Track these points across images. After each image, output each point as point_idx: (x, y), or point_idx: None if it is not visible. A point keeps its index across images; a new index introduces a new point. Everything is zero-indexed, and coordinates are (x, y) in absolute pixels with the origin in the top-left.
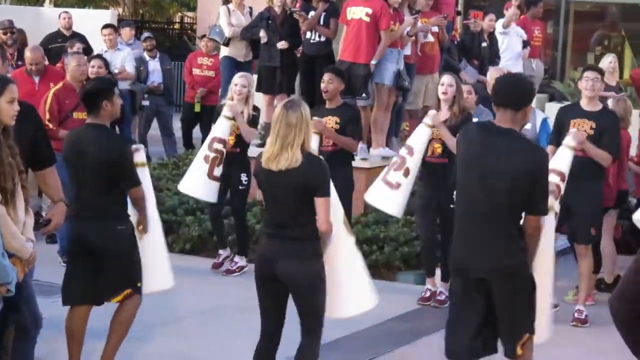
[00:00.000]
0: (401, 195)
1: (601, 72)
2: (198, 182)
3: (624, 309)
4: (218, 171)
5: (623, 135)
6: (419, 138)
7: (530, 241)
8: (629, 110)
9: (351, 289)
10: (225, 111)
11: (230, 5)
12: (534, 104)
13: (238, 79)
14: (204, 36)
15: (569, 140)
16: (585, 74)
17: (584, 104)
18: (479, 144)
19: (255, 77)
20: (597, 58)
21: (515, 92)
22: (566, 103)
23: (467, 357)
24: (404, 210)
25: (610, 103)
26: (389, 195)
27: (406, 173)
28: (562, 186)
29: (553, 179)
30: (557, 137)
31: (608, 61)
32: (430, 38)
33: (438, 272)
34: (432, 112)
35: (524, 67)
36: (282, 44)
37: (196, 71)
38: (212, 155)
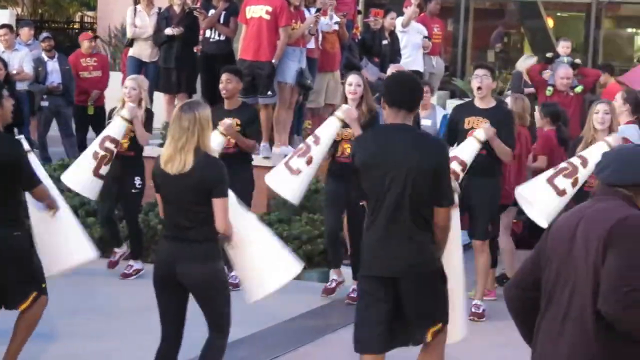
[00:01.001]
0: (299, 181)
1: (491, 70)
2: (81, 177)
3: (518, 299)
4: (104, 170)
5: (522, 133)
6: (327, 129)
7: (440, 234)
8: (527, 108)
9: (270, 260)
10: (124, 113)
11: (138, 6)
12: (434, 100)
13: (128, 81)
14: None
15: (479, 134)
16: (475, 72)
17: (478, 101)
18: (378, 144)
19: None
20: (497, 55)
21: (405, 92)
22: (467, 100)
23: (377, 351)
24: (304, 205)
25: (509, 101)
26: (287, 179)
27: (309, 161)
28: (461, 175)
29: (455, 166)
30: (451, 135)
31: (530, 62)
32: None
33: (348, 270)
34: (345, 106)
35: (424, 64)
36: (168, 30)
37: (84, 74)
38: (101, 153)
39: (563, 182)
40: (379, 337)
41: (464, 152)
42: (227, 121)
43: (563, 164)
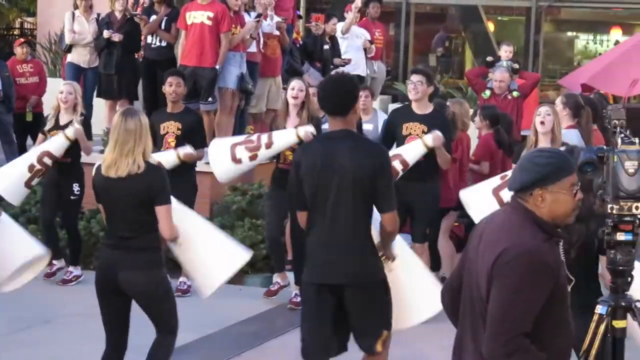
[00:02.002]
0: (234, 170)
1: (427, 75)
2: (10, 183)
3: (451, 300)
4: (35, 181)
5: (463, 137)
6: (284, 140)
7: (387, 237)
8: (467, 112)
9: (217, 252)
10: (69, 132)
11: (77, 12)
12: (377, 105)
13: (64, 86)
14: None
15: (429, 140)
16: (411, 78)
17: (415, 106)
18: (321, 152)
19: None
20: (438, 59)
21: (336, 99)
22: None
23: (324, 356)
24: (247, 210)
25: (449, 105)
26: (225, 161)
27: (252, 158)
28: (401, 174)
29: (396, 165)
30: (388, 139)
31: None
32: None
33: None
34: (309, 128)
35: (366, 69)
36: (107, 33)
37: (21, 80)
38: (37, 167)
39: (508, 195)
40: (325, 343)
41: (409, 153)
42: (188, 150)
43: (509, 173)
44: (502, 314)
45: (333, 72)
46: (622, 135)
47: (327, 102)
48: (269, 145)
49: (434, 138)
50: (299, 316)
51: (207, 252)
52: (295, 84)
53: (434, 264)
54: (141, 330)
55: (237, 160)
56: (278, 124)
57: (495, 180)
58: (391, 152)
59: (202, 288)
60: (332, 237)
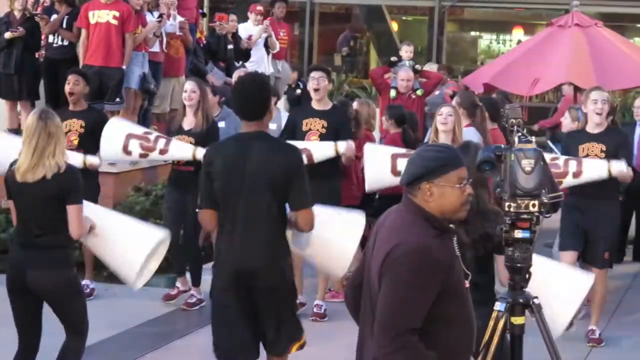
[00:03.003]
0: (121, 157)
1: (327, 71)
2: None
3: (353, 297)
4: None
5: (368, 136)
6: (181, 151)
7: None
8: (373, 113)
9: (131, 237)
10: None
11: None
12: (281, 105)
13: None
14: None
15: (341, 146)
16: (311, 74)
17: (315, 103)
18: (234, 152)
19: None
20: (343, 59)
21: (250, 102)
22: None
23: (241, 357)
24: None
25: (355, 105)
26: (115, 146)
27: (143, 156)
28: None
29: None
30: (289, 136)
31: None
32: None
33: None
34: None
35: (269, 67)
36: (9, 34)
37: None
38: None
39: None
40: (242, 347)
41: (318, 151)
42: (95, 161)
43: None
44: (390, 310)
45: (242, 73)
46: (519, 134)
47: (241, 106)
48: (163, 152)
49: (347, 147)
50: (202, 317)
51: (122, 238)
52: (188, 85)
53: None
54: (56, 332)
55: (127, 152)
56: (175, 123)
57: (401, 150)
58: (302, 145)
59: (129, 279)
60: (244, 239)
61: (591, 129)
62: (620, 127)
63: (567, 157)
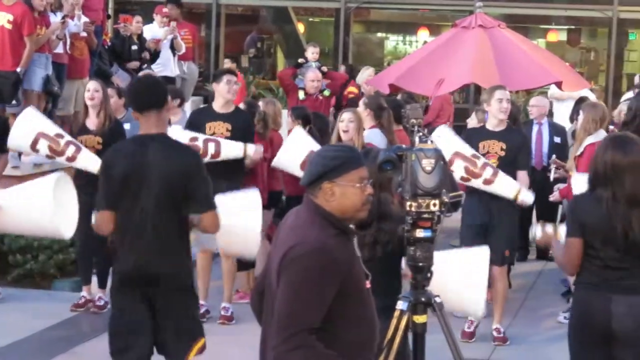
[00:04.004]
0: (27, 151)
1: (235, 74)
2: None
3: (257, 302)
4: None
5: (274, 136)
6: (86, 161)
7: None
8: (279, 111)
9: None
10: None
11: None
12: (189, 106)
13: None
14: None
15: (250, 150)
16: (226, 77)
17: (218, 106)
18: (133, 155)
19: None
20: (250, 60)
21: (147, 102)
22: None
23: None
24: None
25: (261, 105)
26: (25, 139)
27: (50, 157)
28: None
29: (210, 147)
30: None
31: (368, 73)
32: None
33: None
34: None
35: (175, 69)
36: None
37: None
38: None
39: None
40: (140, 351)
41: (227, 149)
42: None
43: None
44: (287, 309)
45: (140, 74)
46: (420, 134)
47: (138, 105)
48: (71, 159)
49: (255, 152)
50: (107, 320)
51: (24, 200)
52: (90, 85)
53: (241, 265)
54: None
55: (35, 149)
56: (77, 123)
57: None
58: (213, 138)
59: (53, 231)
60: (143, 242)
61: (492, 126)
62: (521, 127)
63: (486, 161)
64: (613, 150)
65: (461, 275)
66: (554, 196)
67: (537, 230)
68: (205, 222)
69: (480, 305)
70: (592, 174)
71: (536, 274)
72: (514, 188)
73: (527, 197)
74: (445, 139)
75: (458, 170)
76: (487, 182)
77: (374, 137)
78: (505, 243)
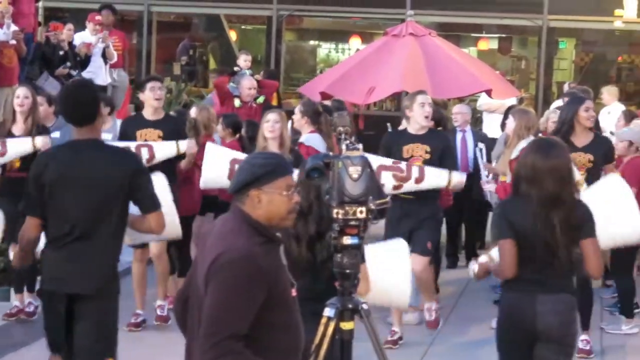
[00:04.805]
0: None
1: (161, 80)
2: None
3: (181, 310)
4: None
5: (229, 147)
6: (18, 146)
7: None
8: (213, 117)
9: None
10: None
11: None
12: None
13: None
14: None
15: (182, 146)
16: (149, 84)
17: (148, 114)
18: (68, 161)
19: None
20: (182, 68)
21: (80, 108)
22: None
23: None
24: None
25: (193, 112)
26: None
27: None
28: None
29: (144, 152)
30: None
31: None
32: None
33: None
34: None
35: (107, 77)
36: None
37: None
38: None
39: None
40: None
41: (160, 151)
42: None
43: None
44: (214, 316)
45: (70, 81)
46: (347, 141)
47: (70, 112)
48: (1, 155)
49: (189, 146)
50: (37, 329)
51: None
52: (20, 91)
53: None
54: None
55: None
56: (3, 129)
57: (242, 155)
58: (144, 142)
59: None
60: (73, 248)
61: (415, 130)
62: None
63: (407, 163)
64: (535, 153)
65: (385, 267)
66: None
67: (474, 267)
68: (152, 222)
69: (407, 294)
70: (516, 177)
71: (466, 281)
72: (444, 175)
73: (459, 178)
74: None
75: (387, 181)
76: (418, 180)
77: (314, 141)
78: (427, 236)
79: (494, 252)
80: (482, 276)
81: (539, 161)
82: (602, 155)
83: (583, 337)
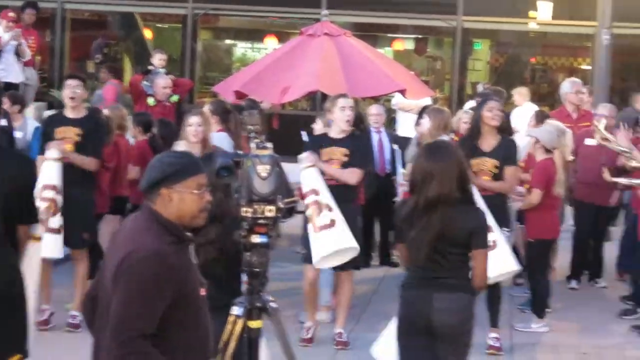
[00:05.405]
0: None
1: (83, 79)
2: None
3: (90, 309)
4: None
5: (119, 142)
6: None
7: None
8: (124, 116)
9: None
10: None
11: None
12: (31, 112)
13: None
14: None
15: (52, 154)
16: (67, 82)
17: (69, 111)
18: None
19: None
20: (96, 66)
21: None
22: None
23: None
24: None
25: (106, 111)
26: None
27: None
28: (59, 199)
29: (48, 194)
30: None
31: None
32: None
33: None
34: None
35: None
36: None
37: None
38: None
39: None
40: None
41: (50, 177)
42: None
43: None
44: (122, 315)
45: None
46: (257, 140)
47: None
48: None
49: (54, 149)
50: None
51: None
52: None
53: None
54: None
55: None
56: None
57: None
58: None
59: None
60: None
61: (335, 134)
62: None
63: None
64: (423, 157)
65: None
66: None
67: None
68: (21, 232)
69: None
70: (410, 181)
71: (379, 280)
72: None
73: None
74: (309, 175)
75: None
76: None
77: (222, 140)
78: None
79: None
80: None
81: (426, 164)
82: (506, 159)
83: (493, 334)
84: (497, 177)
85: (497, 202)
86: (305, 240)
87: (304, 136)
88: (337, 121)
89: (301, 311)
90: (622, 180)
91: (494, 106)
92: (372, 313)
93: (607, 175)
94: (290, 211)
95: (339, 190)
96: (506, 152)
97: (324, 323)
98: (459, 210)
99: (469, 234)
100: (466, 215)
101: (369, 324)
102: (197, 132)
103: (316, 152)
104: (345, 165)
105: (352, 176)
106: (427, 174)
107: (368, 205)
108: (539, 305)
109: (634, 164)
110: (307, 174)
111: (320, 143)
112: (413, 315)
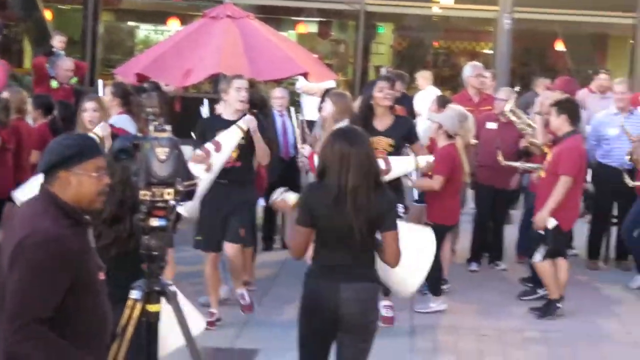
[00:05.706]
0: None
1: None
2: None
3: None
4: None
5: (20, 125)
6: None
7: None
8: (25, 99)
9: None
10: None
11: None
12: None
13: None
14: None
15: None
16: None
17: None
18: None
19: None
20: None
21: None
22: None
23: None
24: None
25: (6, 93)
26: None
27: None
28: None
29: None
30: None
31: None
32: None
33: None
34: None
35: None
36: None
37: None
38: None
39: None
40: None
41: None
42: None
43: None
44: (17, 300)
45: None
46: (156, 122)
47: None
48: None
49: None
50: None
51: None
52: None
53: None
54: None
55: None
56: None
57: None
58: None
59: None
60: None
61: (229, 115)
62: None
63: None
64: (340, 141)
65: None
66: None
67: (277, 193)
68: None
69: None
70: (321, 165)
71: (281, 263)
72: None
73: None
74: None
75: None
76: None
77: (123, 122)
78: (240, 221)
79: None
80: (277, 207)
81: (346, 148)
82: (403, 138)
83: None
84: (392, 155)
85: (394, 183)
86: (200, 226)
87: (203, 112)
88: (230, 101)
89: (202, 295)
90: (516, 164)
91: (384, 86)
92: (273, 296)
93: (501, 158)
94: (189, 194)
95: (236, 172)
96: (404, 130)
97: (222, 300)
98: (374, 193)
99: (381, 216)
100: (381, 197)
101: (271, 308)
102: (93, 117)
103: (210, 134)
104: (241, 147)
105: (264, 154)
106: (345, 159)
107: (271, 188)
108: (434, 285)
109: (537, 142)
110: (232, 132)
111: (214, 124)
112: (319, 305)
